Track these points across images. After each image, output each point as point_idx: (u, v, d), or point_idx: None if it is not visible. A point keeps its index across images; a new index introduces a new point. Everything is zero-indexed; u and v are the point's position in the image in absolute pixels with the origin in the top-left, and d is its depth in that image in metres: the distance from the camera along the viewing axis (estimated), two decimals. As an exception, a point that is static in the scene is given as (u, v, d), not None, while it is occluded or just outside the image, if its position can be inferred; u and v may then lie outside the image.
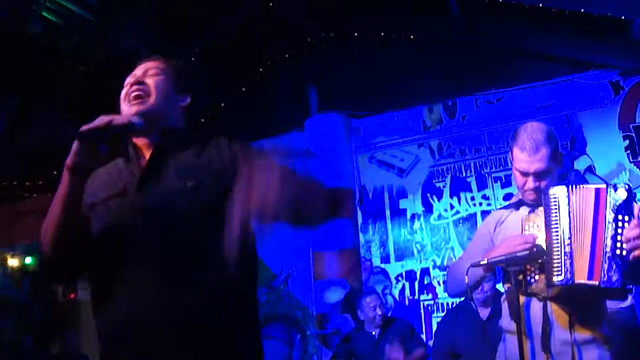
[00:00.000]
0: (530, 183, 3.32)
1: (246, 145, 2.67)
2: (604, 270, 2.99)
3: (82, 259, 2.54)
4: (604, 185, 3.13)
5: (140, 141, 2.62)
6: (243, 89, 9.46)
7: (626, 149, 7.50)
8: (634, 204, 3.10)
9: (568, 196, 3.14)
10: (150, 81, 2.64)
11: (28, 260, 11.38)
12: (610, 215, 3.05)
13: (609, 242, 3.02)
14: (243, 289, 2.53)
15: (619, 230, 3.02)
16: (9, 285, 11.31)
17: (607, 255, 3.00)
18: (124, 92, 2.65)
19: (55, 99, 8.41)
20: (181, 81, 2.77)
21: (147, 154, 2.58)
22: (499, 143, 8.15)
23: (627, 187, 3.08)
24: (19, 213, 11.74)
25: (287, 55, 9.27)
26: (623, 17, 6.67)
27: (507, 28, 7.81)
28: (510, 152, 3.45)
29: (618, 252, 2.99)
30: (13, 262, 11.47)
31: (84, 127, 2.31)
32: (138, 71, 2.70)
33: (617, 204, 3.06)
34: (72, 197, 2.44)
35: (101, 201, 2.54)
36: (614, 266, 2.98)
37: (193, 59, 8.46)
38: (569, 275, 3.03)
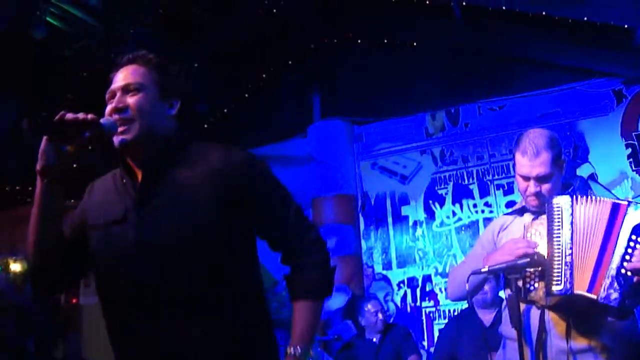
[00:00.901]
0: (532, 188, 3.32)
1: (240, 158, 2.53)
2: (604, 287, 2.96)
3: (72, 271, 2.57)
4: (625, 202, 3.10)
5: (132, 159, 2.52)
6: (246, 95, 9.47)
7: (628, 157, 7.50)
8: None
9: (572, 206, 3.12)
10: (131, 101, 2.45)
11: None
12: (624, 233, 3.01)
13: (616, 259, 2.98)
14: (246, 314, 2.47)
15: (629, 250, 2.98)
16: (11, 289, 11.32)
17: (611, 272, 2.97)
18: (107, 110, 2.47)
19: (58, 104, 8.41)
20: (168, 86, 2.58)
21: (140, 173, 2.50)
22: (501, 150, 8.17)
23: None
24: (21, 218, 11.73)
25: (290, 62, 9.28)
26: (626, 26, 6.66)
27: (510, 36, 7.81)
28: (512, 158, 3.46)
29: (623, 271, 2.96)
30: (15, 266, 11.47)
31: (53, 119, 2.27)
32: (118, 85, 2.50)
33: (635, 223, 3.02)
34: (45, 203, 2.42)
35: (101, 226, 2.47)
36: (616, 285, 2.94)
37: (196, 64, 8.47)
38: (568, 286, 3.01)
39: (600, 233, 3.07)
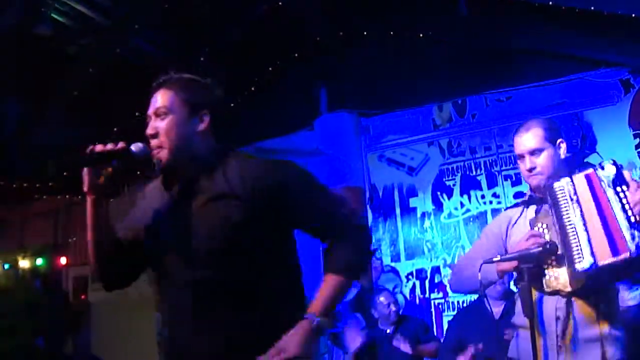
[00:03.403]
0: (527, 163, 3.40)
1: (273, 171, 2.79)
2: (628, 242, 3.01)
3: (131, 267, 2.92)
4: (591, 170, 3.21)
5: (170, 174, 2.83)
6: (252, 88, 9.46)
7: (636, 147, 7.47)
8: (624, 172, 3.14)
9: (573, 185, 3.18)
10: (161, 126, 2.73)
11: (39, 261, 11.42)
12: (609, 192, 3.12)
13: (620, 215, 3.06)
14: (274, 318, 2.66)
15: (624, 201, 3.08)
16: (20, 286, 11.36)
17: (625, 226, 3.03)
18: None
19: (65, 101, 8.42)
20: (194, 103, 2.79)
21: (176, 187, 2.81)
22: (508, 141, 8.02)
23: (612, 161, 3.14)
24: (29, 215, 11.79)
25: (296, 55, 9.26)
26: (634, 15, 6.64)
27: (517, 26, 7.76)
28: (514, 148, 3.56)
29: (633, 219, 3.03)
30: (24, 263, 11.52)
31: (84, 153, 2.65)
32: (150, 111, 2.79)
33: (611, 179, 3.14)
34: (94, 215, 2.77)
35: (143, 230, 2.81)
36: (637, 233, 3.01)
37: (202, 58, 8.46)
38: (591, 260, 3.04)
39: (592, 203, 3.16)
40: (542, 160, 3.38)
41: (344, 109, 9.02)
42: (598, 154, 7.62)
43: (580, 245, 3.09)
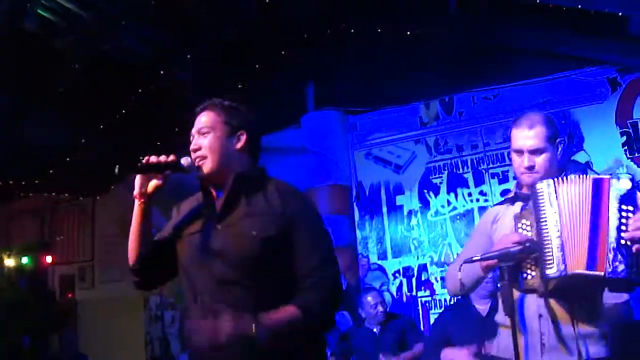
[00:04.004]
0: (526, 161, 3.36)
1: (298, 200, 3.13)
2: (609, 261, 2.96)
3: (164, 271, 3.25)
4: (607, 176, 3.12)
5: (212, 187, 3.15)
6: (240, 86, 9.43)
7: (623, 145, 7.47)
8: (638, 194, 3.08)
9: (555, 188, 3.14)
10: (204, 142, 3.10)
11: (24, 260, 11.36)
12: (614, 206, 3.03)
13: (613, 232, 2.99)
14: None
15: (624, 221, 3.00)
16: (5, 285, 11.30)
17: (612, 245, 2.97)
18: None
19: (51, 97, 8.37)
20: (233, 124, 3.14)
21: (218, 199, 3.11)
22: (496, 139, 8.16)
23: (630, 177, 3.08)
24: (15, 212, 11.73)
25: (284, 52, 9.23)
26: (620, 14, 6.64)
27: (504, 24, 7.76)
28: (509, 139, 3.53)
29: (623, 242, 2.97)
30: (9, 262, 11.46)
31: (142, 162, 3.00)
32: (194, 130, 3.16)
33: (621, 194, 3.04)
34: (141, 219, 3.13)
35: (185, 236, 3.13)
36: (620, 257, 2.95)
37: (190, 55, 8.43)
38: (561, 267, 3.01)
39: (587, 210, 3.09)
40: (541, 160, 3.35)
41: (331, 107, 9.01)
42: (585, 151, 7.62)
43: (552, 250, 3.07)
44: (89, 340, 10.32)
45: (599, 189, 3.10)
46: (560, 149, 3.43)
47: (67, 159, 9.81)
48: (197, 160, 3.09)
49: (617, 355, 3.21)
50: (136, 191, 3.08)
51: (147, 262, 3.18)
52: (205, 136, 3.11)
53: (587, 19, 6.91)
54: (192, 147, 3.14)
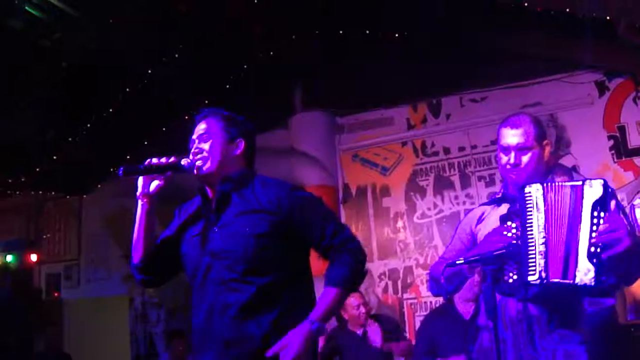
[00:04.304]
0: (512, 158, 3.35)
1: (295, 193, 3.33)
2: (578, 269, 2.95)
3: (167, 269, 3.48)
4: (580, 182, 3.10)
5: (209, 187, 3.37)
6: (227, 86, 9.40)
7: (610, 149, 7.50)
8: (611, 200, 3.07)
9: (544, 194, 3.13)
10: (205, 146, 3.32)
11: (9, 258, 11.29)
12: (586, 212, 3.01)
13: (584, 239, 2.98)
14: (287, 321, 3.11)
15: (594, 228, 2.98)
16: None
17: (583, 253, 2.96)
18: (191, 151, 3.40)
19: (38, 95, 8.33)
20: (232, 132, 3.39)
21: (212, 201, 3.33)
22: (483, 142, 8.17)
23: (603, 182, 3.05)
24: (0, 210, 11.65)
25: (271, 52, 9.21)
26: (608, 18, 6.63)
27: (493, 27, 7.74)
28: (497, 138, 3.50)
29: (593, 249, 2.95)
30: (-8, 261, 11.38)
31: (145, 163, 3.21)
32: (195, 135, 3.40)
33: (594, 200, 3.02)
34: (145, 218, 3.32)
35: (187, 236, 3.36)
36: (589, 264, 2.94)
37: (176, 54, 8.40)
38: (543, 275, 3.01)
39: (565, 218, 3.07)
40: (527, 159, 3.34)
41: (318, 108, 8.98)
42: (572, 155, 7.63)
43: (535, 256, 3.05)
44: (74, 339, 10.29)
45: (575, 195, 3.09)
46: (547, 151, 3.41)
47: (54, 157, 9.77)
48: (197, 161, 3.30)
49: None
50: (139, 192, 3.30)
51: (151, 260, 3.37)
52: (205, 141, 3.34)
53: (576, 23, 6.90)
54: (193, 150, 3.36)
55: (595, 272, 2.92)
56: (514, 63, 7.84)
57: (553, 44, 7.52)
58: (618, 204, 3.13)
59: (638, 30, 6.63)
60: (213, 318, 3.15)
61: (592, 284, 2.92)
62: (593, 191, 3.04)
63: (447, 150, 8.42)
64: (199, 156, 3.32)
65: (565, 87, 7.85)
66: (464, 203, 8.13)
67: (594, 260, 2.93)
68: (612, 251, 2.90)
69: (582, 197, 3.05)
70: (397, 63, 8.27)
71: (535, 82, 7.99)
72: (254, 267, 3.11)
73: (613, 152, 7.47)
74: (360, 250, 3.31)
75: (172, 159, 3.26)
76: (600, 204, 3.02)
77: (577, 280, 2.94)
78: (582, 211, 3.03)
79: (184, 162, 3.29)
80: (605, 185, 3.04)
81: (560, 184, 3.16)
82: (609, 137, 7.57)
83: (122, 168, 3.18)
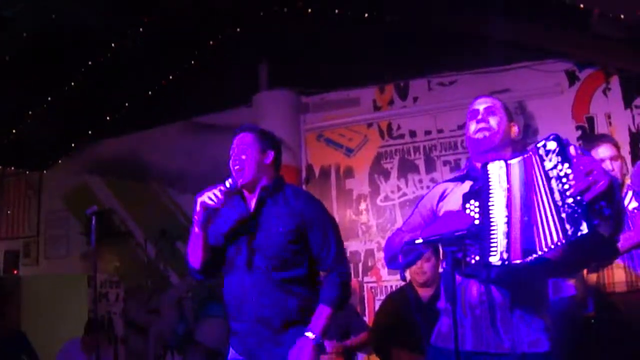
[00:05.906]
0: (480, 115, 3.34)
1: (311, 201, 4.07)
2: (547, 235, 2.76)
3: (217, 264, 4.06)
4: (529, 154, 2.94)
5: (247, 193, 4.05)
6: (192, 62, 9.31)
7: (578, 139, 7.46)
8: (569, 147, 2.86)
9: (507, 172, 2.99)
10: (243, 158, 3.96)
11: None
12: (544, 178, 2.83)
13: (549, 206, 2.78)
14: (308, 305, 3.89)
15: (560, 187, 2.76)
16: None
17: (553, 220, 2.76)
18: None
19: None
20: (264, 144, 4.05)
21: (252, 203, 4.00)
22: (450, 126, 8.14)
23: (554, 136, 2.88)
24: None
25: (238, 29, 9.10)
26: (582, 6, 6.56)
27: (464, 11, 7.68)
28: (467, 117, 3.45)
29: (570, 201, 2.70)
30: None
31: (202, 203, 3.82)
32: (235, 145, 4.04)
33: (552, 162, 2.81)
34: (202, 242, 3.92)
35: (228, 234, 4.01)
36: (568, 227, 2.69)
37: (141, 29, 8.28)
38: (504, 256, 2.85)
39: (520, 192, 2.93)
40: (496, 123, 3.29)
41: (283, 87, 8.89)
42: (539, 143, 7.57)
43: (497, 237, 2.91)
44: (31, 316, 10.15)
45: (525, 167, 2.95)
46: (513, 131, 3.35)
47: (14, 131, 9.66)
48: (237, 172, 3.96)
49: (563, 346, 3.10)
50: (199, 227, 3.87)
51: (209, 264, 4.01)
52: (243, 154, 3.99)
53: (549, 10, 6.86)
54: (232, 159, 4.02)
55: (584, 219, 2.70)
56: (484, 48, 7.76)
57: (524, 30, 7.46)
58: (578, 148, 2.93)
59: (611, 20, 6.58)
60: (250, 294, 3.84)
61: (587, 231, 2.68)
62: (548, 148, 2.86)
63: (413, 134, 8.37)
64: (237, 167, 3.96)
65: (535, 74, 7.81)
66: (428, 187, 7.91)
67: (577, 210, 2.68)
68: (593, 192, 2.66)
69: (537, 165, 2.88)
70: (365, 44, 8.20)
71: (505, 68, 7.95)
72: (281, 256, 3.82)
73: (581, 142, 7.39)
74: (349, 275, 4.01)
75: (224, 187, 3.83)
76: (561, 159, 2.79)
77: (548, 245, 2.76)
78: (540, 179, 2.86)
79: (229, 182, 3.87)
80: (557, 138, 2.86)
81: (512, 161, 3.02)
82: (577, 127, 7.57)
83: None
